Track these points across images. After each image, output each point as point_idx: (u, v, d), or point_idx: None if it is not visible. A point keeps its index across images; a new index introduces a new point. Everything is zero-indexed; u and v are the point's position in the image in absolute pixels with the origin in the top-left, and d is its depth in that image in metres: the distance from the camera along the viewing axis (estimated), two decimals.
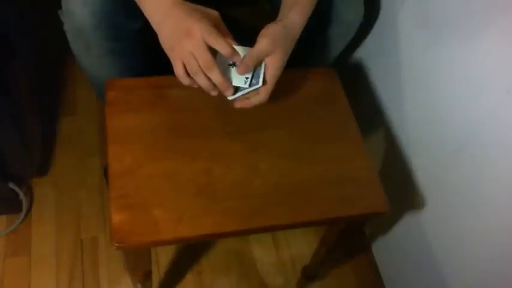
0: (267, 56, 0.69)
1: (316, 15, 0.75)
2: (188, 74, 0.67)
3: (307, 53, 0.94)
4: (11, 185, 1.07)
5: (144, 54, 0.87)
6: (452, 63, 0.78)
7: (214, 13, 0.68)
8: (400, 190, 0.96)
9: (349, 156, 0.77)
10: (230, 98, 0.71)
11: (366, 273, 1.16)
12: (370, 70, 1.05)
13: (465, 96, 0.76)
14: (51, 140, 1.24)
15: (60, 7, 0.75)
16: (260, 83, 0.69)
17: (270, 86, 0.70)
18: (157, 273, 1.08)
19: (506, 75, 0.67)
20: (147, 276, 0.86)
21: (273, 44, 0.68)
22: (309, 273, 1.10)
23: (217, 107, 0.78)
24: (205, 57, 0.65)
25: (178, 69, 0.67)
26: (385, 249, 1.13)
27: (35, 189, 1.16)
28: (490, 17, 0.69)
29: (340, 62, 1.04)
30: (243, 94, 0.70)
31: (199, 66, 0.65)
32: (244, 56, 0.68)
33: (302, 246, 1.17)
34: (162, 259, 1.11)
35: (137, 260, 0.78)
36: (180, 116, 0.76)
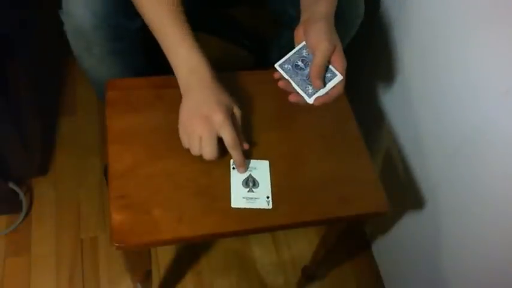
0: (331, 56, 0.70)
1: None
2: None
3: None
4: (11, 185, 1.07)
5: (144, 54, 0.87)
6: (452, 63, 0.78)
7: (238, 113, 0.70)
8: (400, 190, 0.96)
9: (349, 156, 0.77)
10: (309, 100, 0.72)
11: (366, 273, 1.16)
12: (370, 70, 1.05)
13: (465, 96, 0.76)
14: (51, 140, 1.24)
15: (60, 7, 0.76)
16: (338, 74, 0.71)
17: (344, 77, 0.71)
18: (157, 273, 1.08)
19: (506, 75, 0.67)
20: (147, 276, 0.86)
21: (331, 46, 0.69)
22: (309, 273, 1.10)
23: None
24: (210, 149, 0.67)
25: (183, 141, 0.69)
26: (385, 249, 1.13)
27: (35, 189, 1.16)
28: (490, 17, 0.69)
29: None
30: (323, 94, 0.72)
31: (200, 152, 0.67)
32: (314, 66, 0.70)
33: (302, 246, 1.17)
34: (162, 259, 1.11)
35: (137, 260, 0.78)
36: None
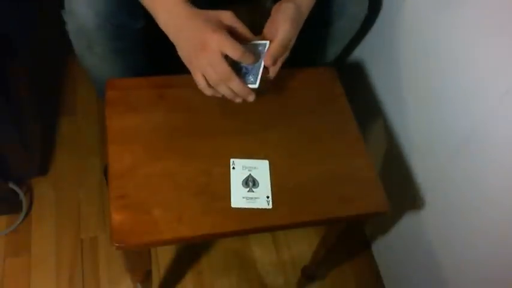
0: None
1: (321, 7, 0.75)
2: (209, 85, 0.69)
3: (312, 47, 0.93)
4: (11, 185, 1.07)
5: (146, 54, 0.87)
6: (452, 63, 0.78)
7: (227, 14, 0.67)
8: (400, 190, 0.96)
9: (349, 156, 0.77)
10: (256, 86, 0.69)
11: (366, 273, 1.16)
12: (370, 70, 1.05)
13: (465, 96, 0.76)
14: (51, 140, 1.24)
15: (62, 7, 0.76)
16: (266, 41, 0.68)
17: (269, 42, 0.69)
18: (157, 273, 1.08)
19: (506, 75, 0.67)
20: (147, 276, 0.86)
21: (295, 27, 0.69)
22: (309, 273, 1.10)
23: (217, 107, 0.78)
24: (222, 69, 0.65)
25: (199, 81, 0.69)
26: (385, 249, 1.13)
27: (35, 189, 1.16)
28: (490, 17, 0.69)
29: (340, 62, 1.04)
30: (262, 67, 0.69)
31: (218, 78, 0.66)
32: (270, 48, 0.68)
33: (302, 246, 1.17)
34: (162, 259, 1.11)
35: (137, 260, 0.78)
36: (180, 116, 0.76)
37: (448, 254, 0.88)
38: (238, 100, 0.71)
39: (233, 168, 0.71)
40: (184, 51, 0.68)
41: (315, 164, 0.75)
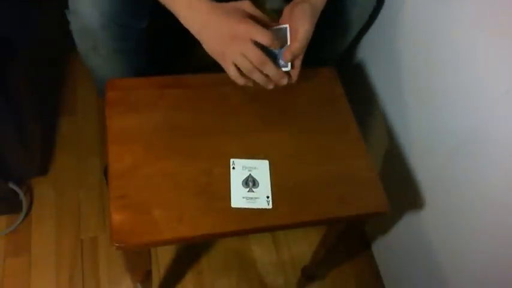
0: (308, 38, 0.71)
1: None
2: (241, 74, 0.70)
3: (322, 39, 0.94)
4: (11, 185, 1.07)
5: (147, 55, 0.88)
6: (452, 63, 0.78)
7: (247, 3, 0.69)
8: (400, 190, 0.96)
9: (349, 156, 0.77)
10: (288, 68, 0.72)
11: (366, 273, 1.16)
12: (370, 70, 1.05)
13: (465, 96, 0.76)
14: (51, 140, 1.24)
15: (66, 7, 0.76)
16: (286, 25, 0.71)
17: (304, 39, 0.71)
18: (157, 273, 1.08)
19: (506, 75, 0.67)
20: (147, 276, 0.86)
21: (313, 26, 0.71)
22: (309, 273, 1.10)
23: (217, 107, 0.78)
24: (256, 55, 0.67)
25: (232, 72, 0.70)
26: (385, 249, 1.13)
27: (35, 189, 1.16)
28: (490, 17, 0.69)
29: (341, 62, 1.04)
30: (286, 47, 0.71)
31: (253, 64, 0.68)
32: (291, 47, 0.70)
33: (302, 246, 1.17)
34: (162, 259, 1.11)
35: (137, 260, 0.78)
36: (180, 116, 0.76)
37: (448, 254, 0.88)
38: (270, 86, 0.72)
39: (233, 168, 0.71)
40: (212, 45, 0.69)
41: (315, 164, 0.75)
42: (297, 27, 0.70)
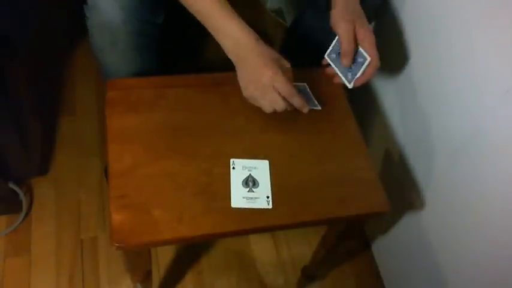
0: (354, 35, 0.75)
1: None
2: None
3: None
4: (11, 185, 1.07)
5: (158, 53, 0.88)
6: (452, 63, 0.78)
7: (287, 64, 0.73)
8: (400, 190, 0.96)
9: (349, 156, 0.77)
10: (349, 86, 0.78)
11: (366, 273, 1.17)
12: None
13: (465, 96, 0.76)
14: (51, 140, 1.24)
15: (85, 2, 0.76)
16: (368, 58, 0.75)
17: (375, 52, 0.76)
18: (158, 273, 1.08)
19: (506, 75, 0.67)
20: (147, 276, 0.86)
21: (351, 21, 0.74)
22: (309, 273, 1.10)
23: (217, 107, 0.78)
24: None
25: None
26: (385, 249, 1.13)
27: (35, 189, 1.16)
28: (490, 16, 0.69)
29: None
30: (358, 76, 0.77)
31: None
32: (341, 52, 0.76)
33: (302, 246, 1.17)
34: (162, 259, 1.11)
35: (137, 260, 0.78)
36: (180, 116, 0.76)
37: (447, 254, 0.88)
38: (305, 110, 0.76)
39: (233, 168, 0.71)
40: (245, 79, 0.73)
41: (315, 164, 0.75)
42: (369, 47, 0.75)
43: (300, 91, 0.78)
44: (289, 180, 0.72)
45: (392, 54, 0.94)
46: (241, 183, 0.70)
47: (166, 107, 0.76)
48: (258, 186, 0.70)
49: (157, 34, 0.83)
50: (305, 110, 0.75)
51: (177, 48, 1.19)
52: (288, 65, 0.73)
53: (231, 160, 0.72)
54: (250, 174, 0.71)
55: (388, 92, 1.00)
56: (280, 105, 0.72)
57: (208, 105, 0.78)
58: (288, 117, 0.80)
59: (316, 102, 0.81)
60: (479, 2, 0.70)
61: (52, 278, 1.05)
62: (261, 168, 0.72)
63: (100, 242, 1.11)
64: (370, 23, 0.93)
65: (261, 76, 0.69)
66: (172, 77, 0.80)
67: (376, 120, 1.04)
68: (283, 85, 0.70)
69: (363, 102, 1.06)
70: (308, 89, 0.82)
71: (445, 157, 0.83)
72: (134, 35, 0.79)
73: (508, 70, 0.66)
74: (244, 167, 0.72)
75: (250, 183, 0.70)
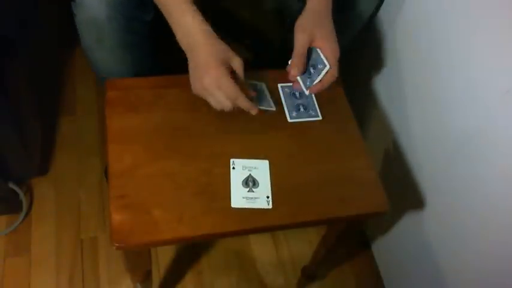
0: (310, 45, 0.75)
1: None
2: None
3: None
4: (11, 185, 1.07)
5: (151, 52, 0.88)
6: (452, 63, 0.78)
7: (238, 62, 0.72)
8: (400, 190, 0.96)
9: (349, 156, 0.77)
10: (306, 92, 0.78)
11: (366, 273, 1.16)
12: (370, 70, 1.05)
13: (465, 96, 0.76)
14: (51, 140, 1.24)
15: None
16: (327, 65, 0.75)
17: (335, 62, 0.75)
18: (158, 273, 1.08)
19: (506, 75, 0.67)
20: (147, 276, 0.86)
21: (308, 32, 0.74)
22: (309, 273, 1.10)
23: None
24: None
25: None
26: (385, 249, 1.13)
27: (35, 189, 1.16)
28: (489, 16, 0.69)
29: (341, 62, 1.04)
30: (316, 82, 0.77)
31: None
32: (293, 60, 0.75)
33: (302, 246, 1.17)
34: (162, 259, 1.11)
35: (137, 260, 0.78)
36: (180, 116, 0.76)
37: (447, 254, 0.88)
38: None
39: (233, 168, 0.71)
40: (191, 73, 0.71)
41: (315, 164, 0.75)
42: (332, 54, 0.75)
43: (257, 90, 0.77)
44: (289, 180, 0.72)
45: (393, 54, 0.94)
46: (241, 183, 0.70)
47: (166, 107, 0.76)
48: (258, 186, 0.70)
49: (147, 32, 0.82)
50: (253, 111, 0.72)
51: (177, 47, 1.19)
52: (239, 65, 0.71)
53: (231, 160, 0.72)
54: (250, 174, 0.71)
55: (388, 92, 1.00)
56: (226, 106, 0.70)
57: (208, 105, 0.78)
58: (288, 117, 0.80)
59: (271, 103, 0.79)
60: (479, 2, 0.70)
61: (52, 278, 1.05)
62: (261, 168, 0.72)
63: (100, 242, 1.11)
64: (361, 30, 0.93)
65: (206, 76, 0.68)
66: (172, 77, 0.80)
67: (376, 120, 1.04)
68: (226, 87, 0.68)
69: (363, 102, 1.06)
70: (266, 89, 0.80)
71: (445, 157, 0.83)
72: (121, 31, 0.78)
73: (508, 70, 0.66)
74: (244, 167, 0.72)
75: (250, 183, 0.70)
